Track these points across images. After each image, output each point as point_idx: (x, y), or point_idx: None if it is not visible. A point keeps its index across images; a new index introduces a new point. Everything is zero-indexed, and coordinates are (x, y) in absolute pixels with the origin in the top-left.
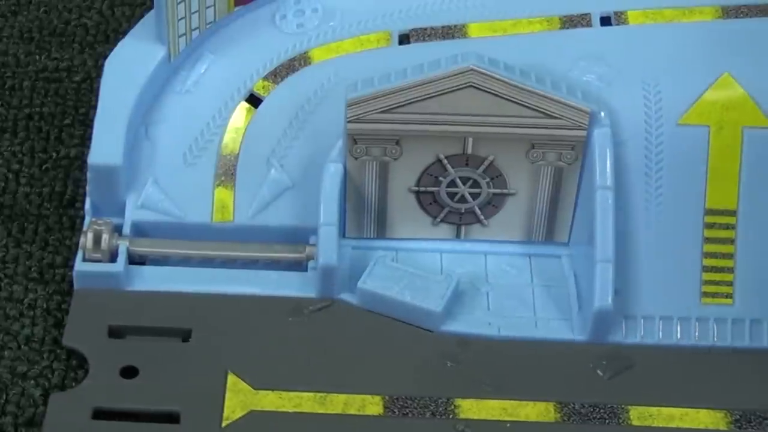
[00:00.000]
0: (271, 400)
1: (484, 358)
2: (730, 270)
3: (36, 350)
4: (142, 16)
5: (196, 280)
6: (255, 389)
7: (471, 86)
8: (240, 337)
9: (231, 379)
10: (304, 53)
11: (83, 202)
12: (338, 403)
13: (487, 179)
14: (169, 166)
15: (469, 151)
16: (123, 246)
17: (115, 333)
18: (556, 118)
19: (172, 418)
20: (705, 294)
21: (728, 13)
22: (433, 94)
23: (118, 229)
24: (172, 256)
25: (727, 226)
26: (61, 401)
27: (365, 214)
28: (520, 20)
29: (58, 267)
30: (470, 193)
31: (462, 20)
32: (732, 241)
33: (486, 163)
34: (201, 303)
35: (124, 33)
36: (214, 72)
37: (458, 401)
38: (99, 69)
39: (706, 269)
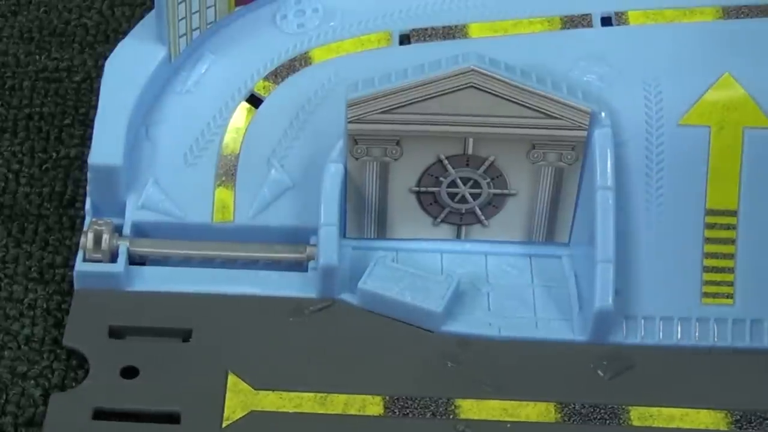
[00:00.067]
0: (272, 401)
1: (485, 359)
2: (731, 270)
3: (36, 350)
4: (142, 16)
5: (196, 280)
6: (255, 389)
7: (472, 86)
8: (240, 337)
9: (231, 379)
10: (305, 53)
11: (83, 202)
12: (338, 404)
13: (488, 179)
14: (170, 167)
15: (470, 151)
16: (123, 246)
17: (115, 333)
18: (556, 118)
19: (173, 418)
20: (705, 294)
21: (729, 13)
22: (434, 95)
23: (118, 230)
24: (172, 256)
25: (728, 227)
26: (62, 401)
27: (366, 215)
28: (520, 20)
29: (58, 267)
30: (471, 194)
31: (463, 20)
32: (732, 242)
33: (486, 163)
34: (201, 303)
35: (124, 33)
36: (214, 72)
37: (459, 401)
38: (99, 69)
39: (707, 269)
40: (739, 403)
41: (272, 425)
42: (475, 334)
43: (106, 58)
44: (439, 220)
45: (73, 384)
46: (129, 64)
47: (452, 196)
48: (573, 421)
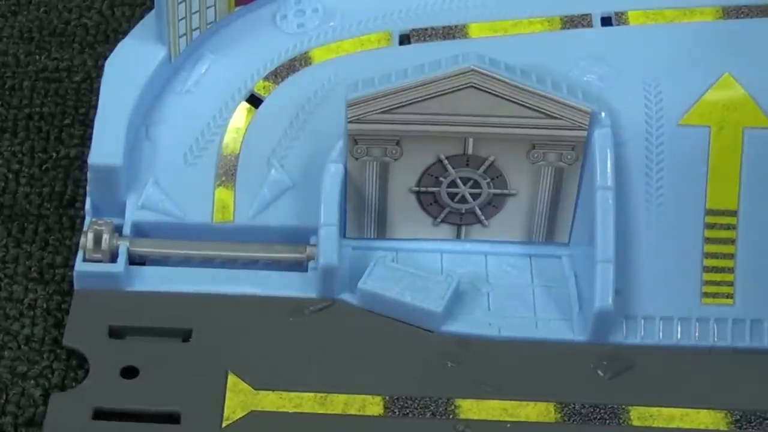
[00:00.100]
0: (272, 401)
1: (485, 359)
2: (731, 270)
3: (36, 350)
4: (142, 17)
5: (196, 280)
6: (255, 389)
7: (472, 86)
8: (240, 337)
9: (231, 379)
10: (305, 53)
11: (83, 202)
12: (338, 404)
13: (488, 179)
14: (170, 167)
15: (470, 151)
16: (123, 246)
17: (115, 333)
18: (556, 118)
19: (173, 418)
20: (705, 294)
21: (729, 13)
22: (434, 95)
23: (118, 230)
24: (172, 256)
25: (728, 227)
26: (62, 401)
27: (366, 215)
28: (520, 20)
29: (58, 267)
30: (471, 194)
31: (463, 20)
32: (732, 242)
33: (486, 163)
34: (201, 303)
35: (124, 33)
36: (214, 72)
37: (458, 401)
38: (99, 69)
39: (707, 269)
40: (738, 403)
41: (272, 425)
42: (475, 334)
43: (106, 58)
44: (439, 220)
45: (73, 384)
46: (129, 64)
47: (452, 196)
48: (573, 421)
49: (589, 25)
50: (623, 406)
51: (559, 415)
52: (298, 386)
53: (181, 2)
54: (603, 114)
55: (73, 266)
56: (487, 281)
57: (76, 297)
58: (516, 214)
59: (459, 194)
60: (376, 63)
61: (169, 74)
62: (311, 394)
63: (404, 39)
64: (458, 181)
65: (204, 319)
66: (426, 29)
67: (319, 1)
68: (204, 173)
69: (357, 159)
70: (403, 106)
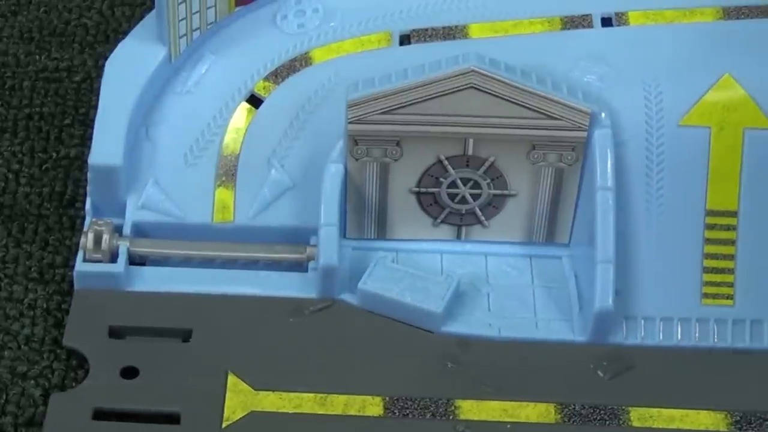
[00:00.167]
0: (272, 401)
1: (485, 359)
2: (731, 271)
3: (36, 350)
4: (142, 17)
5: (196, 280)
6: (255, 390)
7: (472, 87)
8: (240, 337)
9: (231, 379)
10: (305, 53)
11: (83, 202)
12: (338, 404)
13: (488, 180)
14: (170, 167)
15: (470, 152)
16: (123, 246)
17: (115, 333)
18: (556, 119)
19: (173, 418)
20: (705, 295)
21: (729, 14)
22: (434, 95)
23: (118, 230)
24: (172, 256)
25: (728, 227)
26: (62, 401)
27: (366, 215)
28: (521, 21)
29: (58, 267)
30: (471, 194)
31: (463, 21)
32: (733, 242)
33: (487, 164)
34: (201, 303)
35: (124, 33)
36: (214, 72)
37: (458, 402)
38: (99, 69)
39: (707, 270)
40: (739, 404)
41: (272, 426)
42: (475, 334)
43: (106, 58)
44: (439, 220)
45: (73, 384)
46: (129, 64)
47: (452, 196)
48: (573, 421)
49: (590, 25)
50: (623, 407)
51: (559, 415)
52: (298, 387)
53: (181, 3)
54: (603, 114)
55: (73, 266)
56: (487, 282)
57: (76, 297)
58: (516, 214)
59: (459, 195)
60: (376, 63)
61: (169, 74)
62: (311, 395)
63: (404, 39)
64: (458, 181)
65: (204, 319)
66: (426, 30)
67: (320, 2)
68: (204, 173)
69: (357, 159)
70: (403, 106)
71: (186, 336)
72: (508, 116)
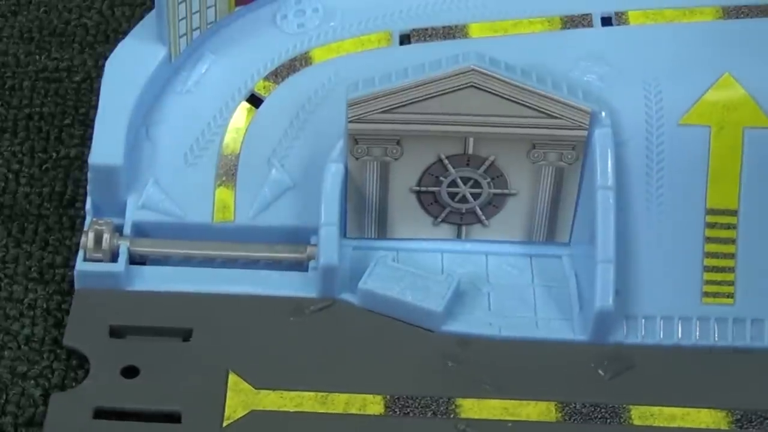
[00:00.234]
0: (273, 400)
1: (485, 358)
2: (731, 270)
3: (36, 350)
4: (142, 17)
5: (197, 280)
6: (256, 389)
7: (472, 86)
8: (241, 336)
9: (232, 378)
10: (305, 53)
11: (83, 202)
12: (339, 403)
13: (488, 179)
14: (170, 166)
15: (470, 151)
16: (124, 246)
17: (116, 333)
18: (557, 118)
19: (173, 417)
20: (706, 294)
21: (729, 13)
22: (434, 94)
23: (118, 229)
24: (173, 256)
25: (728, 226)
26: (62, 401)
27: (366, 214)
28: (521, 20)
29: (58, 267)
30: (471, 193)
31: (463, 20)
32: (733, 241)
33: (487, 163)
34: (202, 303)
35: (124, 33)
36: (214, 72)
37: (459, 401)
38: (99, 69)
39: (707, 269)
40: (739, 403)
41: (273, 425)
42: (475, 333)
43: (106, 58)
44: (439, 219)
45: (73, 384)
46: (129, 64)
47: (453, 195)
48: (574, 420)
49: (590, 25)
50: (624, 406)
51: (560, 414)
52: (299, 386)
53: (181, 2)
54: (603, 114)
55: (73, 266)
56: (487, 281)
57: (76, 296)
58: (516, 213)
59: (459, 194)
60: (376, 63)
61: (169, 74)
62: (312, 394)
63: (404, 39)
64: (459, 180)
65: (204, 318)
66: (426, 29)
67: (320, 1)
68: (204, 173)
69: (357, 159)
70: (403, 105)
71: (186, 335)
72: (509, 115)
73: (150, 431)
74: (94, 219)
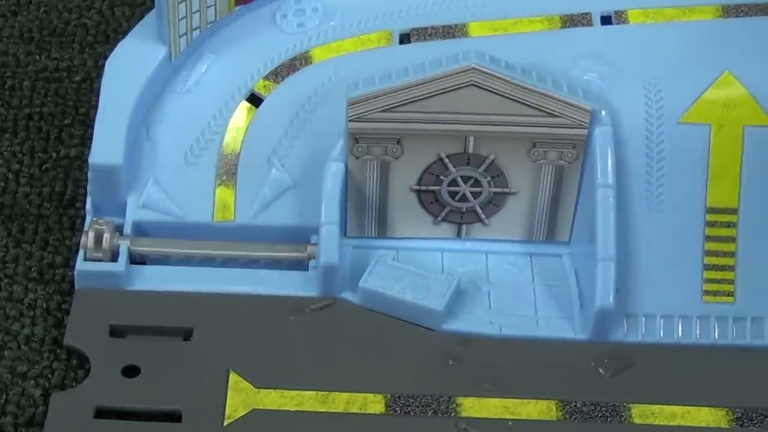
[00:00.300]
0: (273, 399)
1: (486, 357)
2: (731, 268)
3: (36, 350)
4: (142, 16)
5: (197, 279)
6: (257, 388)
7: (472, 85)
8: (241, 336)
9: (233, 377)
10: (305, 53)
11: (83, 202)
12: (340, 402)
13: (489, 178)
14: (170, 166)
15: (471, 150)
16: (124, 245)
17: (116, 332)
18: (557, 116)
19: (174, 417)
20: (706, 292)
21: (728, 12)
22: (435, 93)
23: (119, 229)
24: (173, 255)
25: (728, 225)
26: (63, 400)
27: (366, 213)
28: (520, 19)
29: (58, 267)
30: (471, 192)
31: (463, 19)
32: (733, 240)
33: (487, 162)
34: (202, 302)
35: (124, 33)
36: (214, 71)
37: (460, 400)
38: (99, 69)
39: (708, 267)
40: (740, 401)
41: (274, 424)
42: (475, 332)
43: (106, 58)
44: (439, 218)
45: (73, 384)
46: (129, 64)
47: (453, 194)
48: (574, 419)
49: (589, 23)
50: (624, 404)
51: (561, 413)
52: (300, 385)
53: (181, 2)
54: (603, 112)
55: (73, 266)
56: (487, 280)
57: (76, 296)
58: (517, 212)
59: (460, 193)
60: (376, 62)
61: (169, 74)
62: (313, 393)
63: (404, 38)
64: (459, 179)
65: (205, 318)
66: (426, 28)
67: (319, 1)
68: (204, 172)
69: (358, 158)
70: (403, 104)
71: (187, 335)
72: (509, 114)
73: (151, 431)
74: (95, 219)
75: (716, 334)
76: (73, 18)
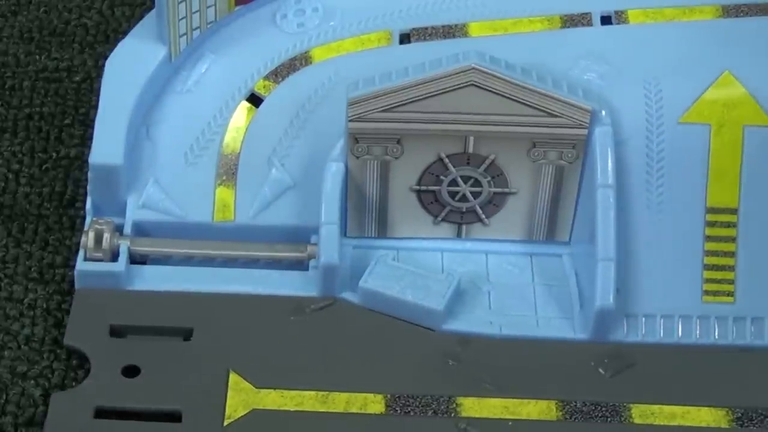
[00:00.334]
0: (273, 399)
1: (486, 357)
2: (732, 268)
3: (36, 350)
4: (142, 16)
5: (197, 279)
6: (257, 388)
7: (472, 85)
8: (242, 336)
9: (233, 378)
10: (305, 52)
11: (83, 202)
12: (340, 402)
13: (489, 178)
14: (170, 166)
15: (471, 150)
16: (124, 245)
17: (116, 332)
18: (557, 116)
19: (174, 417)
20: (706, 292)
21: (728, 12)
22: (435, 93)
23: (119, 229)
24: (173, 255)
25: (728, 225)
26: (63, 400)
27: (366, 213)
28: (520, 19)
29: (58, 267)
30: (471, 192)
31: (462, 19)
32: (733, 240)
33: (487, 161)
34: (202, 302)
35: (124, 33)
36: (214, 71)
37: (460, 400)
38: (99, 69)
39: (708, 267)
40: (740, 401)
41: (274, 424)
42: (475, 332)
43: (106, 58)
44: (439, 218)
45: (73, 384)
46: (129, 64)
47: (453, 194)
48: (574, 419)
49: (589, 23)
50: (624, 404)
51: (561, 413)
52: (300, 385)
53: (181, 2)
54: (603, 112)
55: (73, 266)
56: (487, 280)
57: (77, 296)
58: (517, 212)
59: (460, 193)
60: (376, 62)
61: (169, 74)
62: (313, 393)
63: (404, 38)
64: (459, 179)
65: (205, 318)
66: (426, 28)
67: (319, 1)
68: (205, 172)
69: (358, 158)
70: (403, 104)
71: (187, 335)
72: (509, 114)
73: (151, 431)
74: (95, 219)
75: (716, 333)
76: (73, 18)
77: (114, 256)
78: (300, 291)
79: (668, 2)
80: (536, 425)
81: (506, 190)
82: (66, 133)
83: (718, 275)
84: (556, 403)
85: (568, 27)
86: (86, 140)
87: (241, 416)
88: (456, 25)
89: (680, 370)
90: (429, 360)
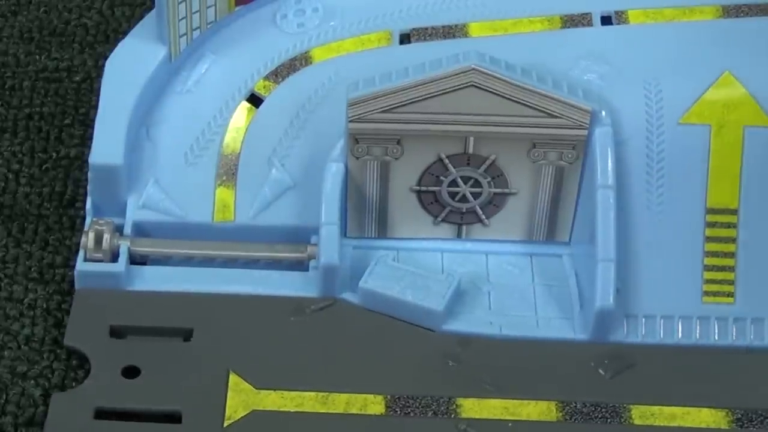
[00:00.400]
0: (273, 400)
1: (486, 358)
2: (732, 269)
3: (36, 350)
4: (142, 16)
5: (197, 279)
6: (257, 389)
7: (472, 85)
8: (242, 336)
9: (233, 378)
10: (305, 53)
11: (83, 202)
12: (340, 403)
13: (489, 179)
14: (171, 166)
15: (471, 150)
16: (124, 246)
17: (116, 333)
18: (557, 117)
19: (174, 417)
20: (706, 293)
21: (729, 12)
22: (435, 94)
23: (119, 229)
24: (173, 255)
25: (729, 225)
26: (63, 401)
27: (366, 214)
28: (520, 20)
29: (58, 267)
30: (471, 193)
31: (463, 20)
32: (733, 240)
33: (487, 162)
34: (202, 303)
35: (124, 33)
36: (214, 72)
37: (460, 401)
38: (99, 69)
39: (708, 268)
40: (740, 402)
41: (274, 425)
42: (476, 333)
43: (106, 58)
44: (439, 219)
45: (73, 384)
46: (129, 64)
47: (453, 195)
48: (574, 419)
49: (589, 24)
50: (624, 405)
51: (561, 413)
52: (300, 385)
53: (181, 2)
54: (603, 113)
55: (73, 266)
56: (487, 280)
57: (77, 297)
58: (517, 213)
59: (460, 193)
60: (376, 62)
61: (169, 74)
62: (313, 394)
63: (404, 38)
64: (459, 180)
65: (205, 318)
66: (426, 29)
67: (320, 1)
68: (205, 173)
69: (358, 158)
70: (403, 105)
71: (187, 335)
72: (509, 114)
73: (151, 431)
74: (95, 219)
75: (716, 334)
76: (73, 18)
77: (114, 257)
78: (300, 291)
79: (668, 2)
80: (536, 426)
81: (506, 190)
82: (66, 133)
83: (718, 276)
84: (556, 404)
85: (568, 27)
86: (86, 140)
87: (241, 417)
88: (456, 26)
89: (680, 371)
90: (429, 360)
